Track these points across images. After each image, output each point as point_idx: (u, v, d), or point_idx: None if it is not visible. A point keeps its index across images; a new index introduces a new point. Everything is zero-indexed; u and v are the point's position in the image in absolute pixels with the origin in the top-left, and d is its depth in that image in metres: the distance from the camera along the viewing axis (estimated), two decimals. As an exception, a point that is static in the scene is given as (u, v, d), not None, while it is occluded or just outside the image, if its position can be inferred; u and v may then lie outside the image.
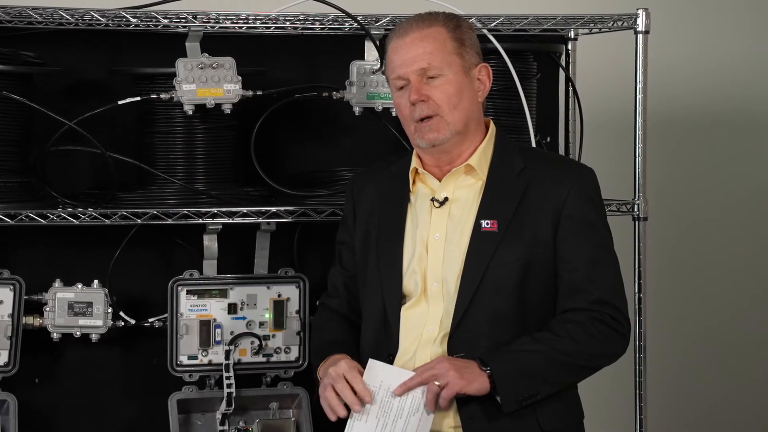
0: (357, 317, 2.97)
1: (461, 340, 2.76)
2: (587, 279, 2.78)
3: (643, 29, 3.42)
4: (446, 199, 2.84)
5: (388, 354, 2.81)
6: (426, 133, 2.80)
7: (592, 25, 3.51)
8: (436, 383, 2.67)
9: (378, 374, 2.74)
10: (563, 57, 3.72)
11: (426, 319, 2.80)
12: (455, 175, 2.85)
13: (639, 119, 3.45)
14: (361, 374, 2.75)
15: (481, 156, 2.85)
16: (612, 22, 3.47)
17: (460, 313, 2.76)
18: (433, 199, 2.84)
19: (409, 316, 2.82)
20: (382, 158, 3.08)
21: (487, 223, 2.79)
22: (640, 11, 3.42)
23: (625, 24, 3.45)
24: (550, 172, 2.83)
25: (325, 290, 3.11)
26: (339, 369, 2.77)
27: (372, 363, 2.76)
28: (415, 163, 2.89)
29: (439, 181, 2.86)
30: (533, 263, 2.77)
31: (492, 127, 2.91)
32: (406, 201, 2.89)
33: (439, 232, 2.83)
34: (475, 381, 2.68)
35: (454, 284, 2.78)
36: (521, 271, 2.76)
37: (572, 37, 3.73)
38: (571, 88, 3.73)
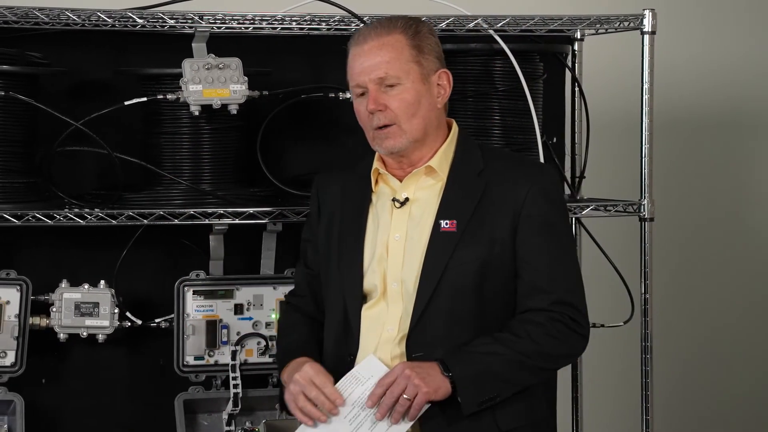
0: (322, 315, 2.97)
1: (419, 340, 2.76)
2: (547, 279, 2.78)
3: (650, 30, 3.42)
4: (407, 199, 2.85)
5: (348, 354, 2.81)
6: (383, 141, 2.81)
7: (598, 25, 3.50)
8: (405, 396, 2.67)
9: (371, 370, 2.74)
10: (569, 57, 3.71)
11: (385, 319, 2.81)
12: (416, 176, 2.86)
13: (645, 119, 3.44)
14: (327, 377, 2.74)
15: (442, 157, 2.86)
16: (618, 23, 3.46)
17: (418, 314, 2.76)
18: (394, 200, 2.85)
19: (369, 316, 2.82)
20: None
21: (446, 223, 2.80)
22: (646, 12, 3.41)
23: (632, 24, 3.45)
24: (510, 172, 2.84)
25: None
26: (305, 374, 2.76)
27: (370, 358, 2.75)
28: (377, 164, 2.90)
29: (401, 181, 2.87)
30: (492, 263, 2.78)
31: (454, 128, 2.92)
32: (367, 201, 2.90)
33: (399, 232, 2.83)
34: (440, 388, 2.69)
35: (413, 284, 2.79)
36: (480, 271, 2.77)
37: (578, 37, 3.73)
38: (577, 89, 3.73)
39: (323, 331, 2.93)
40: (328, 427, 2.71)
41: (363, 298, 2.84)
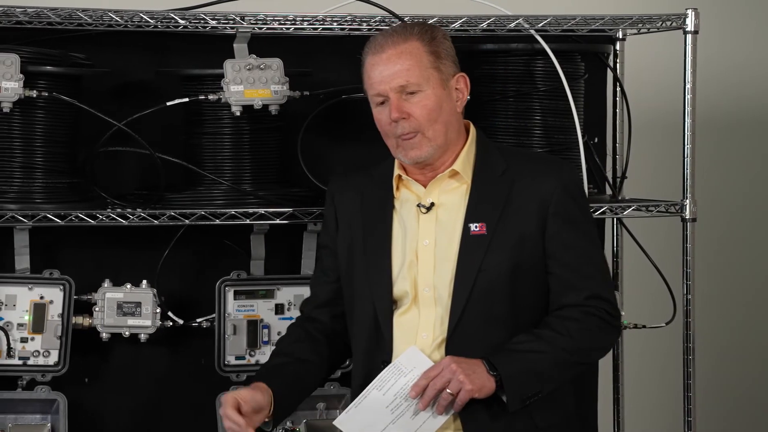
0: (336, 324, 2.97)
1: (458, 345, 2.76)
2: (578, 274, 2.81)
3: (692, 29, 3.39)
4: (432, 204, 2.85)
5: (381, 360, 2.81)
6: (408, 151, 2.82)
7: (640, 25, 3.48)
8: (448, 391, 2.68)
9: (413, 362, 2.75)
10: (611, 57, 3.70)
11: (418, 325, 2.81)
12: (440, 180, 2.86)
13: (688, 120, 3.42)
14: (239, 409, 2.73)
15: (465, 160, 2.87)
16: (660, 22, 3.44)
17: (455, 319, 2.77)
18: (419, 205, 2.85)
19: (401, 323, 2.83)
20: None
21: (476, 227, 2.80)
22: (689, 11, 3.39)
23: (674, 24, 3.42)
24: (533, 171, 2.86)
25: None
26: (227, 398, 2.75)
27: (413, 350, 2.76)
28: (398, 169, 2.91)
29: (424, 186, 2.87)
30: (523, 263, 2.79)
31: (473, 130, 2.93)
32: (390, 207, 2.90)
33: (428, 237, 2.83)
34: (484, 386, 2.70)
35: (446, 290, 2.79)
36: (512, 272, 2.78)
37: (620, 37, 3.71)
38: (618, 89, 3.70)
39: (324, 346, 2.95)
40: (369, 416, 2.73)
41: (393, 304, 2.84)
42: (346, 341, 2.97)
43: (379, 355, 2.83)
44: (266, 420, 2.83)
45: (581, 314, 2.79)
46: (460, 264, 2.79)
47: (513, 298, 2.79)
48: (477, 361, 2.71)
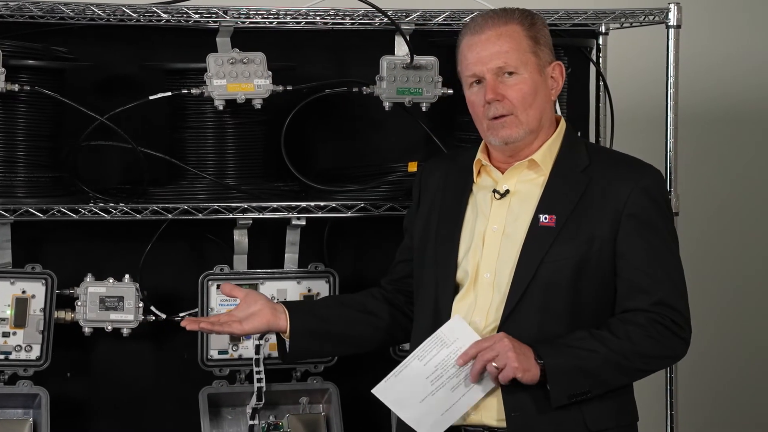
0: (401, 299, 3.01)
1: (510, 332, 2.73)
2: (648, 279, 2.75)
3: (675, 23, 3.40)
4: (507, 191, 2.84)
5: None
6: (499, 131, 2.80)
7: (623, 19, 3.49)
8: (494, 365, 2.67)
9: (456, 333, 2.75)
10: (594, 51, 3.70)
11: (474, 310, 2.80)
12: (518, 168, 2.84)
13: (670, 114, 3.43)
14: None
15: (546, 152, 2.84)
16: (643, 17, 3.45)
17: (511, 306, 2.75)
18: (494, 191, 2.84)
19: (459, 308, 2.82)
20: (455, 149, 3.17)
21: (546, 218, 2.78)
22: (671, 5, 3.40)
23: (657, 18, 3.43)
24: (614, 171, 2.82)
25: (360, 283, 3.20)
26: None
27: (457, 319, 2.76)
28: (480, 155, 2.90)
29: (503, 173, 2.86)
30: (589, 261, 2.75)
31: (562, 124, 2.90)
32: (468, 191, 2.89)
33: (497, 224, 2.82)
34: (530, 370, 2.67)
35: (506, 277, 2.77)
36: (576, 268, 2.74)
37: (603, 31, 3.71)
38: (601, 83, 3.71)
39: (387, 313, 3.01)
40: (408, 386, 2.73)
41: (455, 288, 2.83)
42: (410, 318, 2.98)
43: None
44: (284, 339, 2.94)
45: (646, 320, 2.72)
46: (524, 253, 2.76)
47: (574, 294, 2.75)
48: (527, 346, 2.69)
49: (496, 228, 2.82)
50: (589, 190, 2.79)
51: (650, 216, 2.78)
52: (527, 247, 2.77)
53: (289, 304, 3.00)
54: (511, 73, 2.78)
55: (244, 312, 2.94)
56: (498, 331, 2.75)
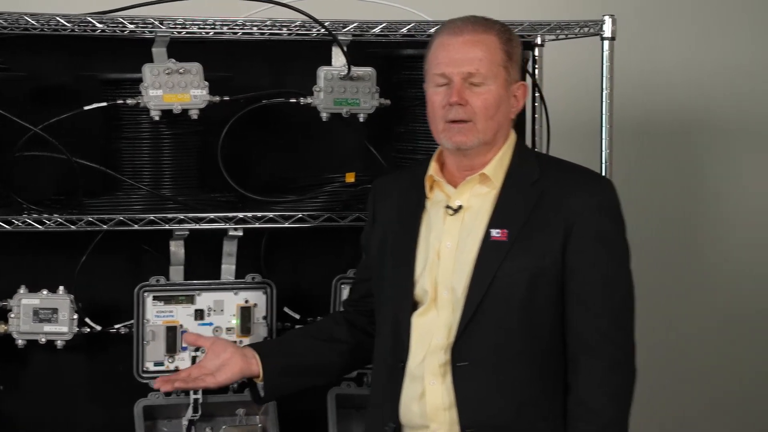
0: (363, 320, 3.03)
1: (464, 349, 2.75)
2: (597, 294, 2.75)
3: (609, 35, 3.43)
4: (460, 207, 2.83)
5: (399, 361, 2.82)
6: (455, 135, 2.80)
7: (558, 31, 3.52)
8: None
9: None
10: (530, 63, 3.73)
11: (435, 327, 2.80)
12: (470, 183, 2.84)
13: (605, 125, 3.46)
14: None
15: (497, 165, 2.84)
16: (578, 29, 3.48)
17: (465, 322, 2.75)
18: (447, 207, 2.85)
19: (420, 324, 2.81)
20: (409, 164, 3.17)
21: (497, 233, 2.77)
22: (606, 17, 3.43)
23: (592, 30, 3.46)
24: (566, 183, 2.82)
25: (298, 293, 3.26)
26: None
27: None
28: (432, 170, 2.89)
29: (455, 188, 2.86)
30: (542, 274, 2.75)
31: (512, 137, 2.91)
32: (421, 208, 2.89)
33: (451, 240, 2.82)
34: None
35: (462, 293, 2.77)
36: (529, 282, 2.74)
37: (539, 43, 3.74)
38: (537, 94, 3.74)
39: (349, 336, 3.04)
40: None
41: (414, 305, 2.83)
42: (373, 338, 2.96)
43: (398, 354, 2.82)
44: (258, 382, 2.96)
45: (603, 378, 2.74)
46: (477, 269, 2.76)
47: (528, 308, 2.74)
48: None
49: (450, 245, 2.82)
50: (540, 203, 2.78)
51: (601, 228, 2.79)
52: (480, 263, 2.76)
53: (257, 347, 3.01)
54: (478, 83, 2.78)
55: (214, 363, 2.96)
56: (452, 349, 2.76)
